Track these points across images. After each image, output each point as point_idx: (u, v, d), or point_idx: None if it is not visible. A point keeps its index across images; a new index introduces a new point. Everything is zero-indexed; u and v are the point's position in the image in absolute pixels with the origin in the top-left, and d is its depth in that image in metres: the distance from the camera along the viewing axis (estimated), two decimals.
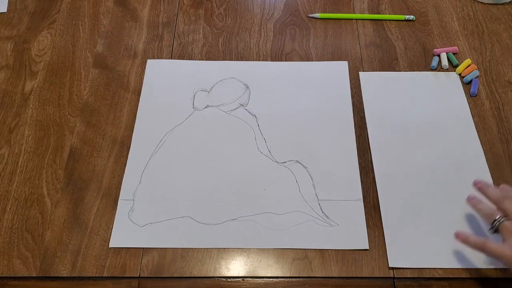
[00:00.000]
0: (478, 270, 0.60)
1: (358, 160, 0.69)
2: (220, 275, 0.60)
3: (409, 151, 0.70)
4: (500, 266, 0.60)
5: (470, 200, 0.62)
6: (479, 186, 0.62)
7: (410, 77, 0.78)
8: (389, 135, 0.71)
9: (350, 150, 0.70)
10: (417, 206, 0.65)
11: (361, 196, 0.66)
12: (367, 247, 0.62)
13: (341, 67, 0.79)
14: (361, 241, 0.62)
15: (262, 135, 0.71)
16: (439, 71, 0.79)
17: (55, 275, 0.60)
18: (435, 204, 0.65)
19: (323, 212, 0.64)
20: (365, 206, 0.65)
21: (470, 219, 0.64)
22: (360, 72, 0.78)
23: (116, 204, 0.65)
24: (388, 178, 0.67)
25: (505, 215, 0.57)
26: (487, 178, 0.67)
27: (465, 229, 0.63)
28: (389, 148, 0.70)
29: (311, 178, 0.67)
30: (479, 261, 0.60)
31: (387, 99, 0.75)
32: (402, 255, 0.61)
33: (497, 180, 0.67)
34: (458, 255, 0.61)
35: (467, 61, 0.79)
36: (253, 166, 0.68)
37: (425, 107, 0.74)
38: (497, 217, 0.57)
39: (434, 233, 0.62)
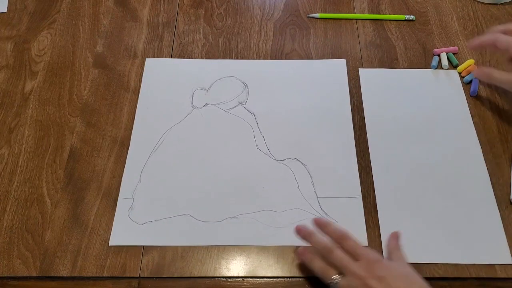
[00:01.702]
0: (478, 270, 0.60)
1: (358, 160, 0.69)
2: (220, 275, 0.60)
3: (407, 150, 0.70)
4: (500, 262, 0.60)
5: (300, 255, 0.58)
6: (302, 235, 0.59)
7: (410, 74, 0.78)
8: (388, 134, 0.71)
9: (348, 147, 0.70)
10: (414, 204, 0.65)
11: (359, 193, 0.66)
12: (366, 245, 0.62)
13: (339, 65, 0.79)
14: (360, 238, 0.61)
15: (261, 133, 0.71)
16: None
17: (55, 275, 0.60)
18: (432, 203, 0.65)
19: (322, 210, 0.64)
20: (365, 206, 0.65)
21: (469, 219, 0.64)
22: (360, 69, 0.78)
23: (116, 204, 0.65)
24: (386, 177, 0.67)
25: (339, 271, 0.54)
26: (484, 177, 0.67)
27: (464, 228, 0.63)
28: (387, 147, 0.70)
29: (310, 175, 0.67)
30: (476, 258, 0.60)
31: (386, 97, 0.75)
32: None
33: (497, 181, 0.66)
34: (457, 252, 0.61)
35: (470, 61, 0.78)
36: (252, 164, 0.68)
37: (425, 106, 0.74)
38: (333, 277, 0.53)
39: (431, 230, 0.62)
